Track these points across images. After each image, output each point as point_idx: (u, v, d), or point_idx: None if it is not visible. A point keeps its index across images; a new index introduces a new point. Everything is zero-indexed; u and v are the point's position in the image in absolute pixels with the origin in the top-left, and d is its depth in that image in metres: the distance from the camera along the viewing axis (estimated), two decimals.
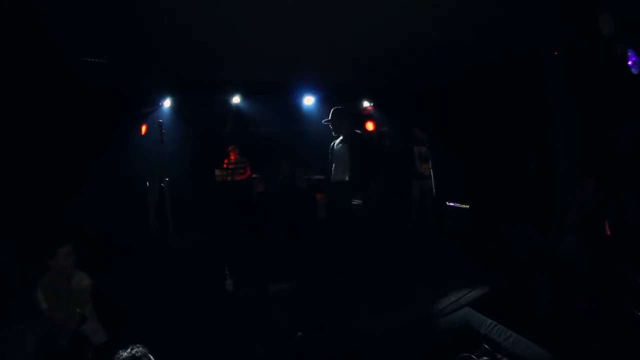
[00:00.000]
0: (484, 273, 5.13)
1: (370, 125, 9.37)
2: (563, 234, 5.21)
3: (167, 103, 7.83)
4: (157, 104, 7.79)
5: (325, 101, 8.62)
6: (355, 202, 6.09)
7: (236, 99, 8.22)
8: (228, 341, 4.08)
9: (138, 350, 2.09)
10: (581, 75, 6.10)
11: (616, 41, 4.99)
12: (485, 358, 3.51)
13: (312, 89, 8.51)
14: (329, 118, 5.63)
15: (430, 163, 7.10)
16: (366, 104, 9.44)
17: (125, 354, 2.08)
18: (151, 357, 2.13)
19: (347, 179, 5.46)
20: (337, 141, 5.71)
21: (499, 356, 3.52)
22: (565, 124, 6.57)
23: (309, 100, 8.67)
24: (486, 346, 3.70)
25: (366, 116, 9.49)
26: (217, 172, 8.34)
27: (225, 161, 8.47)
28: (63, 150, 6.50)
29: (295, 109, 8.88)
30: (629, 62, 5.09)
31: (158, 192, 6.68)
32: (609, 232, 4.89)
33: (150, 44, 5.62)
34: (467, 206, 7.26)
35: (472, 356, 3.55)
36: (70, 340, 3.38)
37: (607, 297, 3.89)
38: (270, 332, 4.17)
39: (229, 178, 8.31)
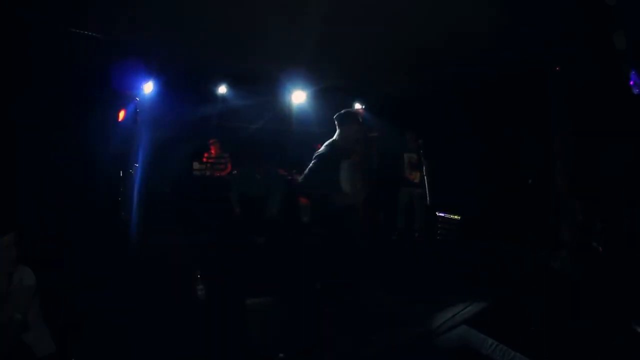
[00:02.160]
0: (477, 288, 4.86)
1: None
2: (556, 250, 5.15)
3: (148, 87, 7.35)
4: (138, 87, 7.31)
5: (315, 99, 8.36)
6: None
7: (222, 89, 7.84)
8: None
9: None
10: (581, 92, 6.08)
11: (622, 60, 4.96)
12: None
13: (303, 86, 8.20)
14: (344, 122, 4.44)
15: (422, 171, 6.87)
16: (358, 105, 9.17)
17: None
18: None
19: (353, 196, 4.53)
20: (346, 152, 4.45)
21: None
22: (562, 140, 6.51)
23: (298, 97, 8.34)
24: None
25: None
26: (195, 165, 7.90)
27: (205, 155, 8.06)
28: (21, 125, 5.88)
29: (284, 106, 8.53)
30: (631, 82, 5.08)
31: (128, 181, 6.20)
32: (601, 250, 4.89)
33: (135, 22, 5.30)
34: (458, 217, 7.03)
35: None
36: (7, 351, 2.74)
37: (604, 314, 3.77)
38: (248, 352, 3.71)
39: (208, 173, 7.90)
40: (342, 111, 4.50)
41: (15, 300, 2.81)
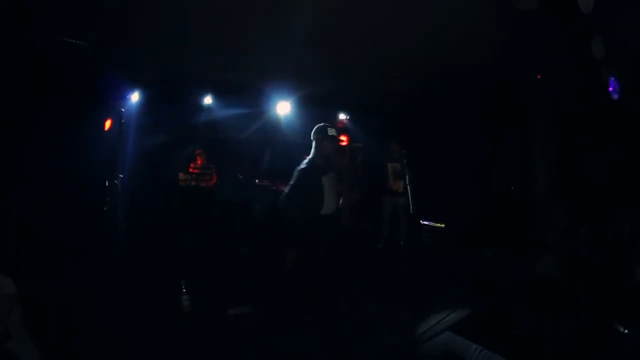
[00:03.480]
0: (462, 294, 4.88)
1: (344, 140, 9.17)
2: (541, 255, 5.23)
3: (134, 97, 7.33)
4: (123, 97, 7.27)
5: (300, 110, 8.41)
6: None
7: (208, 100, 7.86)
8: None
9: None
10: (563, 99, 6.21)
11: (601, 67, 5.08)
12: None
13: (288, 97, 8.26)
14: (334, 137, 4.49)
15: (405, 180, 6.93)
16: (342, 116, 9.24)
17: None
18: None
19: (335, 210, 4.61)
20: (324, 167, 4.49)
21: None
22: (545, 146, 6.63)
23: (283, 108, 8.39)
24: None
25: (340, 130, 9.29)
26: (181, 175, 7.85)
27: (192, 165, 8.02)
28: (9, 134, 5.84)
29: (270, 116, 8.58)
30: (610, 89, 5.21)
31: (113, 191, 6.12)
32: (585, 254, 4.98)
33: (122, 33, 5.31)
34: (442, 225, 7.10)
35: None
36: None
37: (589, 316, 3.81)
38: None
39: (193, 183, 7.85)
40: (316, 126, 4.53)
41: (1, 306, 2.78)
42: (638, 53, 5.17)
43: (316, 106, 8.43)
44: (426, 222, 7.34)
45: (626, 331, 3.47)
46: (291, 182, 4.39)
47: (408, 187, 6.57)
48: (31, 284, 3.11)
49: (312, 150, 4.50)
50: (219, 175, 8.18)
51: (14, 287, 2.89)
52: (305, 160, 4.48)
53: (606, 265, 4.37)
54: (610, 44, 4.73)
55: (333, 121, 9.08)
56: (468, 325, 4.12)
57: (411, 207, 6.09)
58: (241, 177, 6.97)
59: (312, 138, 4.52)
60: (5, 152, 5.76)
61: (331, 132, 4.42)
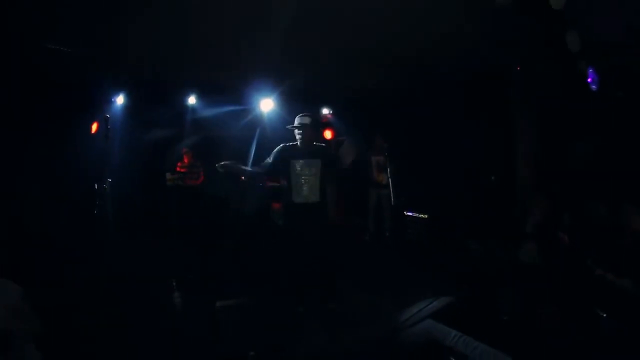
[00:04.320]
0: (445, 283, 5.07)
1: (328, 134, 9.26)
2: (523, 243, 5.26)
3: (120, 100, 7.39)
4: (109, 100, 7.32)
5: (283, 106, 8.50)
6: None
7: (192, 100, 7.93)
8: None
9: None
10: (542, 90, 6.31)
11: (579, 59, 5.18)
12: None
13: (271, 93, 8.33)
14: (299, 125, 4.52)
15: (388, 172, 7.05)
16: (325, 111, 9.34)
17: None
18: None
19: (319, 199, 4.63)
20: (299, 153, 4.59)
21: None
22: (525, 137, 6.74)
23: (267, 104, 8.48)
24: (452, 359, 3.55)
25: (325, 124, 9.38)
26: (168, 175, 7.92)
27: (179, 164, 8.09)
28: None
29: (254, 113, 8.66)
30: (589, 80, 5.31)
31: (102, 195, 6.17)
32: (566, 241, 4.99)
33: (105, 37, 5.34)
34: (426, 216, 7.24)
35: None
36: None
37: (570, 301, 3.92)
38: (221, 351, 3.83)
39: (181, 182, 7.93)
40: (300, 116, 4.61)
41: (2, 314, 2.87)
42: (616, 44, 5.24)
43: (299, 101, 8.50)
44: (410, 213, 7.48)
45: (604, 315, 3.62)
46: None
47: (390, 179, 6.72)
48: (30, 286, 3.18)
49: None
50: (206, 173, 8.27)
51: (18, 290, 2.98)
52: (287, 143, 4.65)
53: (586, 252, 4.45)
54: (587, 36, 4.85)
55: (316, 115, 9.17)
56: (449, 313, 4.29)
57: (392, 199, 6.23)
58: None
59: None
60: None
61: (298, 120, 4.53)
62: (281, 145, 4.65)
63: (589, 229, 4.76)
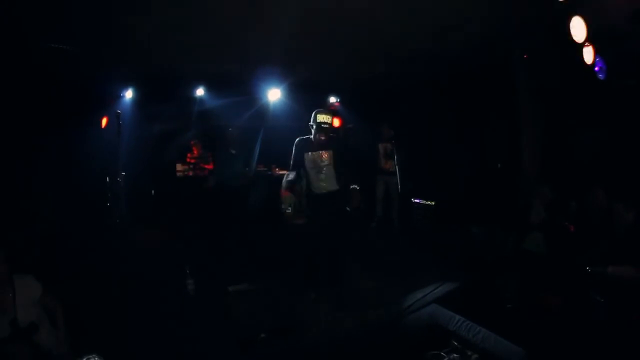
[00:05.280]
0: (450, 270, 5.16)
1: (336, 122, 9.33)
2: (528, 232, 5.33)
3: (128, 94, 7.54)
4: (118, 95, 7.46)
5: (291, 95, 8.56)
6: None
7: (200, 92, 8.04)
8: (189, 345, 3.88)
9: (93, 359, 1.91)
10: (549, 79, 6.27)
11: (586, 47, 5.15)
12: (455, 355, 3.48)
13: (279, 83, 8.42)
14: (323, 123, 4.60)
15: (395, 160, 7.12)
16: (333, 99, 9.40)
17: None
18: None
19: (337, 187, 4.80)
20: (315, 146, 4.73)
21: (469, 353, 3.50)
22: (531, 125, 6.73)
23: (274, 94, 8.56)
24: (455, 343, 3.68)
25: (333, 112, 9.44)
26: (179, 166, 8.05)
27: (189, 155, 8.21)
28: (13, 141, 6.05)
29: (261, 103, 8.76)
30: (596, 69, 5.28)
31: (115, 188, 6.32)
32: (572, 229, 5.06)
33: (112, 32, 5.41)
34: (433, 203, 7.32)
35: (442, 353, 3.53)
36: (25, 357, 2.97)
37: (571, 289, 3.98)
38: (233, 334, 4.00)
39: (191, 173, 8.06)
40: (316, 110, 4.73)
41: (24, 309, 3.06)
42: (624, 33, 5.20)
43: (306, 91, 8.58)
44: (417, 200, 7.56)
45: (602, 300, 3.71)
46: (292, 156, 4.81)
47: (397, 166, 6.79)
48: (52, 280, 3.37)
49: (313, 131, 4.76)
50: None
51: (38, 285, 3.19)
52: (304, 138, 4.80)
53: (589, 239, 4.48)
54: (594, 23, 4.83)
55: (324, 105, 9.23)
56: (453, 298, 4.41)
57: (399, 186, 6.30)
58: (234, 152, 7.14)
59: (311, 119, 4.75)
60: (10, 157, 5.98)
61: (320, 118, 4.62)
62: (297, 139, 4.81)
63: (590, 219, 4.82)
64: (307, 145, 4.76)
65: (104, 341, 3.44)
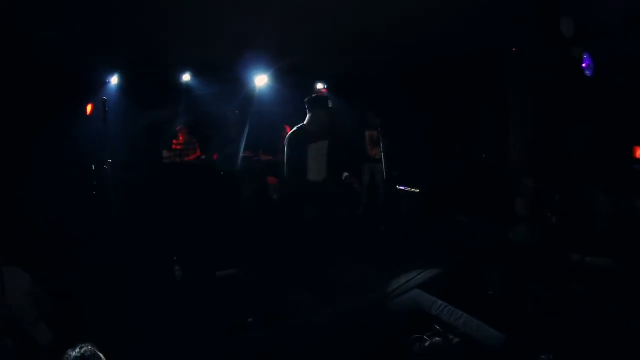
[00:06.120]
0: (434, 256, 5.25)
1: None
2: (514, 223, 5.43)
3: (114, 80, 7.46)
4: (103, 82, 7.37)
5: (278, 81, 8.54)
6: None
7: (186, 77, 7.99)
8: (176, 329, 3.92)
9: (87, 349, 1.93)
10: (538, 73, 6.34)
11: (574, 44, 5.22)
12: (437, 339, 3.55)
13: (266, 69, 8.38)
14: (318, 108, 4.62)
15: (381, 147, 7.17)
16: (320, 86, 9.39)
17: (74, 353, 1.91)
18: (101, 355, 1.98)
19: (327, 176, 4.80)
20: (314, 135, 4.67)
21: (451, 337, 3.59)
22: (519, 118, 6.81)
23: (261, 80, 8.53)
24: (437, 327, 3.76)
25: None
26: (165, 153, 8.02)
27: (174, 142, 8.18)
28: None
29: (248, 89, 8.73)
30: (584, 65, 5.36)
31: (101, 176, 6.27)
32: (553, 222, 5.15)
33: (97, 18, 5.31)
34: (418, 190, 7.40)
35: (424, 337, 3.60)
36: (16, 347, 2.96)
37: (552, 278, 4.09)
38: (220, 319, 4.05)
39: (178, 159, 8.04)
40: (313, 96, 4.80)
41: (13, 300, 3.07)
42: (615, 31, 5.25)
43: (294, 77, 8.57)
44: (402, 188, 7.64)
45: (582, 290, 3.82)
46: (286, 154, 4.65)
47: (383, 154, 6.83)
48: (38, 270, 3.37)
49: (307, 119, 4.71)
50: (202, 150, 8.40)
51: (27, 276, 3.20)
52: (295, 129, 4.72)
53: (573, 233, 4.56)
54: (585, 21, 4.88)
55: (311, 91, 9.20)
56: (436, 284, 4.51)
57: (385, 173, 6.37)
58: (234, 137, 7.18)
59: (307, 107, 4.70)
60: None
61: (331, 104, 4.64)
62: (292, 133, 4.71)
63: (575, 211, 4.92)
64: (307, 136, 4.67)
65: (93, 329, 3.46)
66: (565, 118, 6.19)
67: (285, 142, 4.68)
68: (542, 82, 6.33)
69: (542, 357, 3.01)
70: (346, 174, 4.86)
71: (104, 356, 1.99)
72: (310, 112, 4.69)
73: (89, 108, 7.31)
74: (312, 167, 4.71)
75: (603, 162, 5.48)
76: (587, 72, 5.34)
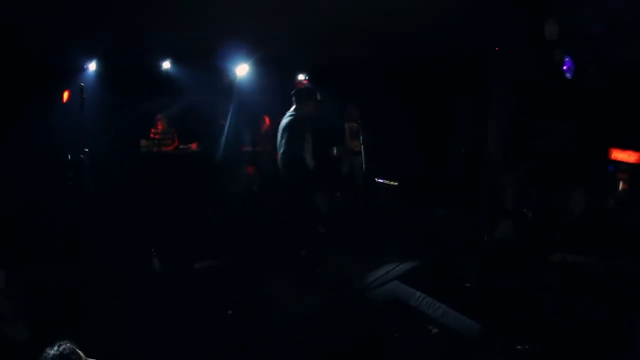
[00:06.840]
0: (412, 248, 5.32)
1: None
2: (491, 217, 5.54)
3: (92, 67, 7.29)
4: (81, 68, 7.19)
5: (259, 71, 8.47)
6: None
7: (166, 65, 7.85)
8: (156, 322, 3.86)
9: (66, 347, 1.90)
10: (520, 72, 6.41)
11: (556, 46, 5.31)
12: (415, 329, 3.64)
13: (247, 59, 8.29)
14: (307, 100, 4.80)
15: (361, 140, 7.21)
16: (301, 77, 9.36)
17: (53, 352, 1.87)
18: (80, 352, 1.95)
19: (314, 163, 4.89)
20: (307, 124, 4.79)
21: (429, 327, 3.67)
22: (498, 115, 6.91)
23: (242, 70, 8.45)
24: (416, 318, 3.85)
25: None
26: (143, 142, 7.90)
27: (152, 131, 8.06)
28: None
29: (229, 78, 8.64)
30: (564, 67, 5.47)
31: (77, 165, 6.12)
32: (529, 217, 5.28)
33: (72, 2, 5.16)
34: (396, 183, 7.47)
35: (403, 328, 3.67)
36: None
37: (527, 272, 4.16)
38: (199, 311, 4.06)
39: (155, 149, 7.92)
40: (301, 88, 4.84)
41: None
42: (598, 35, 5.31)
43: (275, 67, 8.51)
44: (380, 180, 7.70)
45: (556, 284, 3.91)
46: (286, 139, 4.66)
47: (362, 146, 6.88)
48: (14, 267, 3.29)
49: (295, 108, 4.78)
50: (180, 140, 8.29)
51: (3, 275, 3.11)
52: (289, 118, 4.74)
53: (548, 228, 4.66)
54: (569, 26, 4.97)
55: (293, 82, 9.17)
56: (414, 276, 4.58)
57: (364, 166, 6.43)
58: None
59: (295, 98, 4.80)
60: None
61: (319, 97, 4.81)
62: (289, 122, 4.72)
63: (550, 207, 5.05)
64: (302, 125, 4.75)
65: (71, 325, 3.40)
66: (544, 117, 6.30)
67: (285, 128, 4.71)
68: (523, 81, 6.41)
69: (519, 347, 3.10)
70: (335, 148, 4.98)
71: (83, 353, 1.96)
72: (298, 103, 4.77)
73: (66, 95, 7.12)
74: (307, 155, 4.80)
75: (579, 162, 5.61)
76: (568, 75, 5.45)
